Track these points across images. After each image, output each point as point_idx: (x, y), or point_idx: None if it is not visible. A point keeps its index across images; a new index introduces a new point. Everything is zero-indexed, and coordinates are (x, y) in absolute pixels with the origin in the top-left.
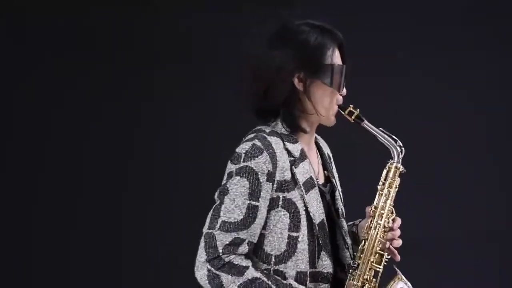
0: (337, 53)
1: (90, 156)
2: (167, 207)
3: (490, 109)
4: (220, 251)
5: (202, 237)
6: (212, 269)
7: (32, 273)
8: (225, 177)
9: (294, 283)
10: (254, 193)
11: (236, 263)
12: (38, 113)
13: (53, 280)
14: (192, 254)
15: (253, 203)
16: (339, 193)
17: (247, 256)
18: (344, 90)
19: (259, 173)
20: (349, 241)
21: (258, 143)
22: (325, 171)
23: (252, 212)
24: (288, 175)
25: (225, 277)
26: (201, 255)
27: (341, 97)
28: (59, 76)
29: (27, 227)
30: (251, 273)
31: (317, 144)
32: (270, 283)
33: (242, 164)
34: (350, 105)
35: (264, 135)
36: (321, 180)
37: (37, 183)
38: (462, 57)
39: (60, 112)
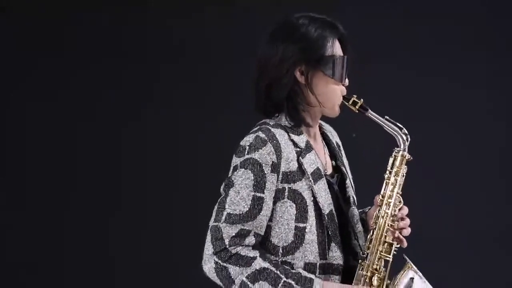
0: (337, 44)
1: (89, 156)
2: (166, 207)
3: (490, 108)
4: (227, 243)
5: (208, 230)
6: (220, 261)
7: (31, 274)
8: (230, 170)
9: (304, 272)
10: (259, 185)
11: (243, 254)
12: (37, 113)
13: (49, 282)
14: (191, 254)
15: (258, 194)
16: (350, 181)
17: (254, 247)
18: (347, 80)
19: (263, 165)
20: (360, 229)
21: (262, 135)
22: (333, 161)
23: (257, 203)
24: (294, 166)
25: (232, 269)
26: (208, 248)
27: (344, 88)
28: (58, 76)
29: (27, 227)
30: (259, 263)
31: (323, 133)
32: (278, 272)
33: (246, 156)
34: (354, 95)
35: (268, 127)
36: (329, 171)
37: (37, 183)
38: (462, 56)
39: (59, 112)
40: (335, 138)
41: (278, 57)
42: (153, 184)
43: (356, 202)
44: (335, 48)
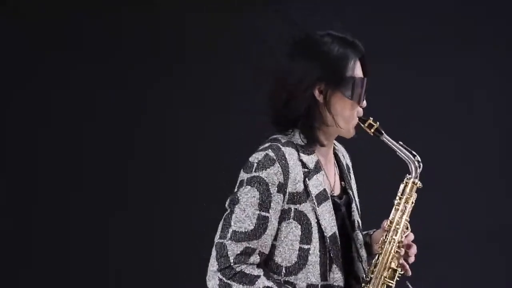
0: (358, 65)
1: (88, 156)
2: (166, 207)
3: (490, 108)
4: (232, 260)
5: (214, 247)
6: (224, 278)
7: (31, 274)
8: (237, 185)
9: None
10: (264, 204)
11: (247, 272)
12: (37, 113)
13: (49, 282)
14: (190, 253)
15: (263, 213)
16: (356, 205)
17: (259, 265)
18: (364, 102)
19: (269, 184)
20: (363, 254)
21: (271, 154)
22: (342, 182)
23: (262, 222)
24: (300, 187)
25: (236, 286)
26: (213, 264)
27: (361, 110)
28: (58, 76)
29: (27, 227)
30: (263, 282)
31: (335, 154)
32: None
33: (253, 174)
34: (370, 118)
35: (279, 145)
36: (337, 192)
37: (38, 183)
38: (461, 56)
39: (59, 112)
40: (346, 159)
41: (298, 74)
42: (153, 184)
43: (361, 226)
44: (356, 69)
